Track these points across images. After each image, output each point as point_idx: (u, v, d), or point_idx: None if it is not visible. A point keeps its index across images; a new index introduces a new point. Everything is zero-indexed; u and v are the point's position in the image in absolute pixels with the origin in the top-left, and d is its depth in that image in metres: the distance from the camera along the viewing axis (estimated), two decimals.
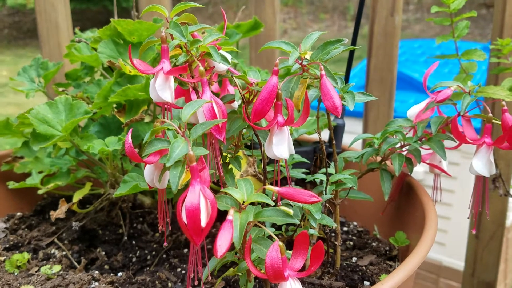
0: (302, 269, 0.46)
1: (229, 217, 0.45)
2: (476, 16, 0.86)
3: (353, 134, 1.40)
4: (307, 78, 0.55)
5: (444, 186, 1.69)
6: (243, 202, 0.47)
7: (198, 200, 0.43)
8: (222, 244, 0.42)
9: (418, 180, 1.74)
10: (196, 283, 0.47)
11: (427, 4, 6.38)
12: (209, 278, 0.50)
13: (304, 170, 0.71)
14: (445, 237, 1.73)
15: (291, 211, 0.48)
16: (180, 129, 0.47)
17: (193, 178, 0.44)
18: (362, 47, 1.15)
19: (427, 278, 1.77)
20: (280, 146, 0.52)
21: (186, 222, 0.42)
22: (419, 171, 1.71)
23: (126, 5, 6.35)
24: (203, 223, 0.43)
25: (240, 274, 0.53)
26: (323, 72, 0.51)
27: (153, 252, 0.77)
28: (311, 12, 6.94)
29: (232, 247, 0.45)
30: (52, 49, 1.19)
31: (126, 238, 0.80)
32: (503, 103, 0.62)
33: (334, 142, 0.64)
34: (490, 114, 0.61)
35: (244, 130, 0.61)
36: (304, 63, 0.54)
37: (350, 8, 6.72)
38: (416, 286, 1.79)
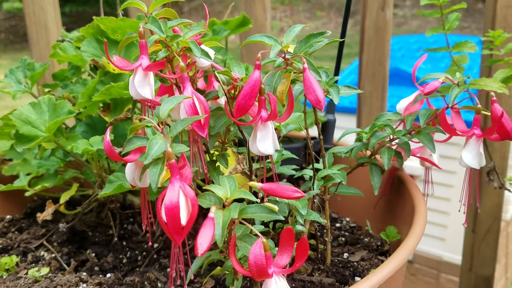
0: (290, 266, 0.45)
1: (211, 214, 0.44)
2: (471, 10, 0.85)
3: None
4: (291, 72, 0.54)
5: (443, 181, 1.67)
6: (226, 199, 0.46)
7: (178, 198, 0.42)
8: (203, 242, 0.42)
9: (417, 175, 1.73)
10: (178, 282, 0.46)
11: None
12: (192, 277, 0.49)
13: (294, 166, 0.70)
14: (445, 232, 1.72)
15: (276, 207, 0.47)
16: (160, 126, 0.46)
17: (172, 176, 0.43)
18: (358, 44, 1.14)
19: (428, 274, 1.76)
20: (265, 142, 0.51)
21: (166, 221, 0.42)
22: (418, 167, 1.70)
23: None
24: (183, 221, 0.42)
25: (227, 272, 0.52)
26: (306, 65, 0.50)
27: (144, 253, 0.76)
28: (307, 9, 6.93)
29: (217, 246, 0.44)
30: (42, 50, 1.19)
31: (116, 239, 0.79)
32: (492, 93, 0.61)
33: (321, 137, 0.63)
34: (479, 105, 0.60)
35: (232, 128, 0.60)
36: (287, 56, 0.53)
37: None
38: (417, 282, 1.78)
